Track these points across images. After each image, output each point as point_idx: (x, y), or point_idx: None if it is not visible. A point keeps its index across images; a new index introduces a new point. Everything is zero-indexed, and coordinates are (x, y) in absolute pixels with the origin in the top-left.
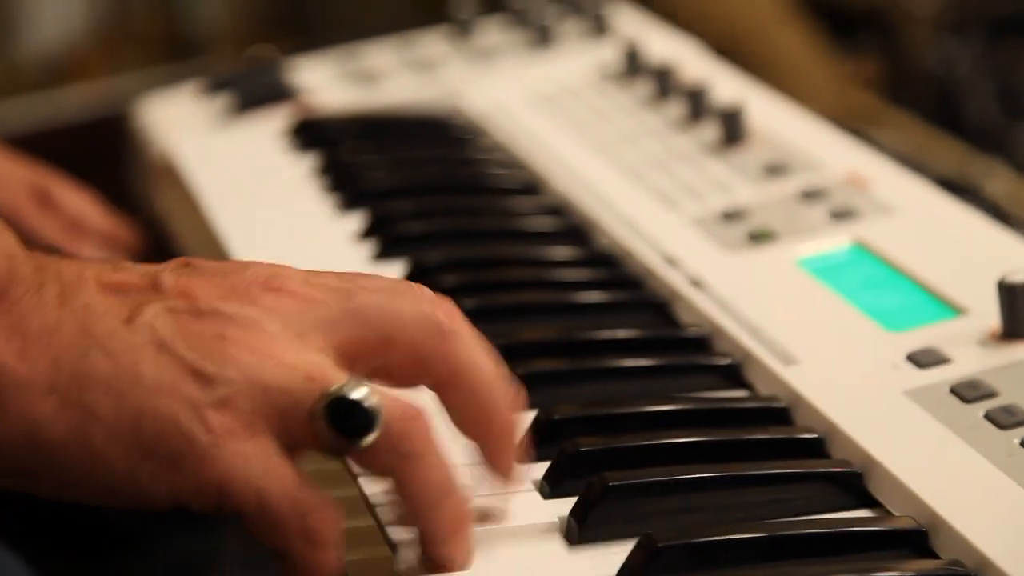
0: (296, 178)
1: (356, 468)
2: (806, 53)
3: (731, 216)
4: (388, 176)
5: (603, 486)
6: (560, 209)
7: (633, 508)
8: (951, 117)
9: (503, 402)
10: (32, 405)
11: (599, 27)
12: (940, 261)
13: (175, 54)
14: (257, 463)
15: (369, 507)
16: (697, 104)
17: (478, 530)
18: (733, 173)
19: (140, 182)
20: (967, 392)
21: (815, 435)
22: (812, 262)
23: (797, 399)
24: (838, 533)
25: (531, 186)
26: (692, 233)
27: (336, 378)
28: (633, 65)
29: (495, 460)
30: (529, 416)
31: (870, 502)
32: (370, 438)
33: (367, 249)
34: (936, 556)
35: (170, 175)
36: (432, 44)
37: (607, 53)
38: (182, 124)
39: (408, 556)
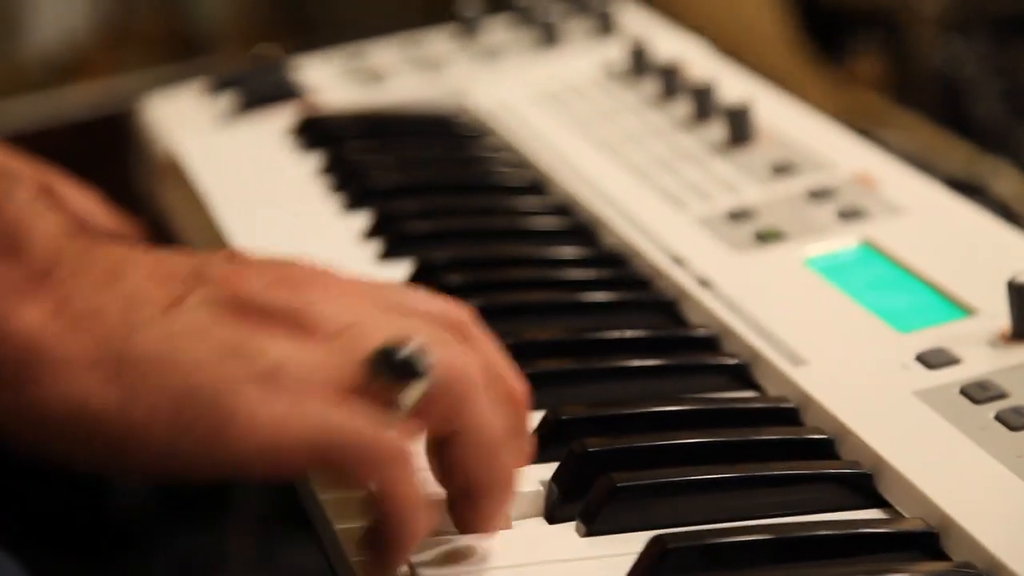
0: (301, 177)
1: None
2: (788, 51)
3: (738, 216)
4: (393, 175)
5: (611, 487)
6: (566, 208)
7: (642, 509)
8: (958, 117)
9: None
10: (77, 379)
11: (605, 26)
12: (949, 261)
13: (179, 53)
14: (309, 417)
15: None
16: (704, 103)
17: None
18: (740, 172)
19: (144, 180)
20: (977, 393)
21: (824, 436)
22: (820, 262)
23: (806, 400)
24: (848, 535)
25: (537, 185)
26: (699, 233)
27: (380, 336)
28: (639, 64)
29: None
30: (536, 416)
31: (880, 503)
32: (423, 382)
33: (372, 248)
34: (947, 558)
35: (174, 173)
36: (437, 43)
37: (613, 52)
38: (186, 122)
39: (422, 555)
